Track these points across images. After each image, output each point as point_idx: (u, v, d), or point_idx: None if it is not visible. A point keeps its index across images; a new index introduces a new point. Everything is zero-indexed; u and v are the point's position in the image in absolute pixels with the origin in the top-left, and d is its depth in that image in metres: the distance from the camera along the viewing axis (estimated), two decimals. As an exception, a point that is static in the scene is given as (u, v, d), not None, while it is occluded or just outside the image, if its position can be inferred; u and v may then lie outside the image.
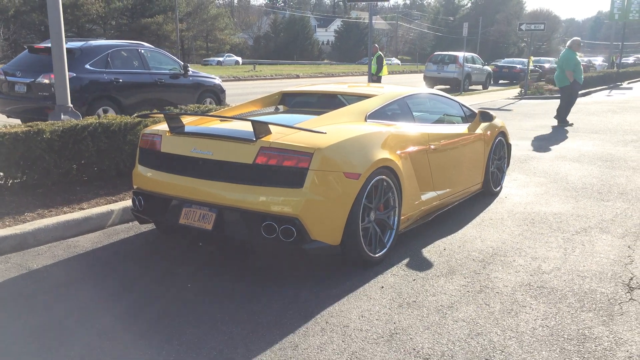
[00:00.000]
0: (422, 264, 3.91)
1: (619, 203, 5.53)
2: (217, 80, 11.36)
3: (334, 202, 3.50)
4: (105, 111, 8.50)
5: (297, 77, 33.13)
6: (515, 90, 21.81)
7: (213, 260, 3.96)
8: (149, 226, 4.61)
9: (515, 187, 6.17)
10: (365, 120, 4.20)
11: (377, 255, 3.87)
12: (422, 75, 26.88)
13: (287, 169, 3.42)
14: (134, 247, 4.19)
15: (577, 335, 2.91)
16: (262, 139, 3.49)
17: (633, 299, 3.35)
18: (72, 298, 3.30)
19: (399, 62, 75.90)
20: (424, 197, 4.43)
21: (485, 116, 5.51)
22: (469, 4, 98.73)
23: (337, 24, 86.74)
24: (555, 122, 11.58)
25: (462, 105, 5.64)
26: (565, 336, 2.90)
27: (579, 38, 11.95)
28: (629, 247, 4.26)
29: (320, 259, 3.83)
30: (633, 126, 11.34)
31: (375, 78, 15.76)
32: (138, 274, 3.69)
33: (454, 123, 5.37)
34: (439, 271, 3.79)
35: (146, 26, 54.69)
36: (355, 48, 75.96)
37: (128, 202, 4.81)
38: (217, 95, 11.07)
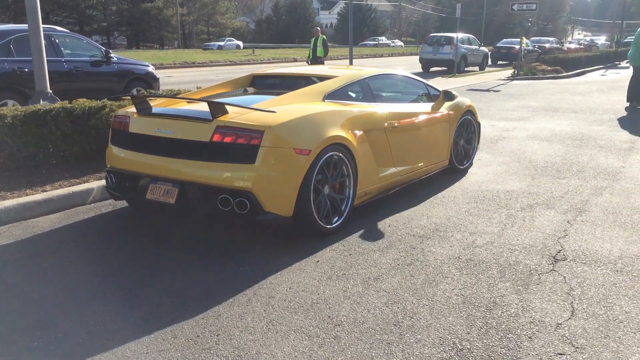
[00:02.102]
0: (363, 240, 4.08)
1: (574, 180, 5.66)
2: (150, 68, 10.49)
3: (285, 176, 3.77)
4: (4, 104, 7.59)
5: (295, 60, 33.09)
6: (510, 71, 21.77)
7: (166, 236, 4.15)
8: (109, 207, 4.80)
9: (476, 167, 6.30)
10: (323, 100, 4.46)
11: (330, 226, 4.12)
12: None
13: (240, 146, 3.70)
14: (91, 228, 4.38)
15: (488, 303, 3.07)
16: (218, 118, 3.77)
17: (554, 270, 3.50)
18: (20, 273, 3.50)
19: (402, 44, 75.41)
20: (382, 173, 4.69)
21: (449, 95, 5.69)
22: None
23: (340, 5, 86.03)
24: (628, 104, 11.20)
25: (427, 86, 5.84)
26: (477, 304, 3.07)
27: None
28: (568, 222, 4.40)
29: (274, 228, 4.15)
30: (614, 105, 11.39)
31: (319, 61, 15.88)
32: (89, 251, 3.89)
33: (417, 102, 5.64)
34: (377, 246, 3.95)
35: (146, 11, 54.62)
36: (359, 30, 75.27)
37: (91, 185, 5.00)
38: (148, 83, 10.21)
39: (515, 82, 17.84)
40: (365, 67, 5.75)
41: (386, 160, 4.74)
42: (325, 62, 16.60)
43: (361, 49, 55.79)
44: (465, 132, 6.15)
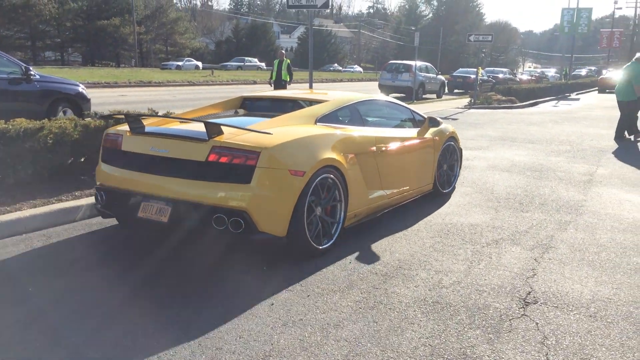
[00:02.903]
0: (322, 279, 3.77)
1: (537, 214, 5.53)
2: (80, 88, 9.54)
3: (279, 196, 3.84)
4: None
5: (255, 83, 32.85)
6: (466, 100, 22.12)
7: (119, 269, 3.73)
8: (40, 242, 4.34)
9: (440, 198, 6.12)
10: (315, 123, 4.57)
11: (321, 247, 4.19)
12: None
13: (236, 166, 3.75)
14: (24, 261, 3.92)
15: (458, 355, 2.80)
16: (214, 138, 3.80)
17: (525, 315, 3.28)
18: None
19: (361, 70, 76.47)
20: (371, 196, 4.80)
21: (434, 122, 5.83)
22: (430, 15, 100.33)
23: (300, 30, 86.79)
24: (622, 137, 11.36)
25: (412, 112, 6.04)
26: (446, 356, 2.80)
27: None
28: (535, 259, 4.22)
29: (268, 248, 4.08)
30: (570, 136, 11.56)
31: (283, 84, 15.83)
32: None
33: (404, 128, 5.80)
34: (337, 286, 3.65)
35: (102, 28, 53.57)
36: (319, 55, 76.05)
37: (21, 214, 4.52)
38: (76, 104, 9.27)
39: (472, 110, 18.07)
40: (353, 92, 5.93)
41: (375, 183, 4.85)
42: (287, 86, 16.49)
43: (321, 73, 56.16)
44: (449, 157, 6.35)
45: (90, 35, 54.19)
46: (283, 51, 17.81)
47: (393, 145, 5.12)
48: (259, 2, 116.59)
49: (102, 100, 16.74)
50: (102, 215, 4.51)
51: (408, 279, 3.80)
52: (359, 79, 49.41)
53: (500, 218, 5.37)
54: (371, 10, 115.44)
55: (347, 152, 4.42)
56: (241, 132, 3.96)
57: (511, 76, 38.44)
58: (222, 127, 3.90)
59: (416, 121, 5.92)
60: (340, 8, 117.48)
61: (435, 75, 26.25)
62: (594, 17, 37.17)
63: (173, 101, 18.47)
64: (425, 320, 3.18)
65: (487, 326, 3.12)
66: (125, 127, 4.28)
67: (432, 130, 5.89)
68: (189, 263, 3.99)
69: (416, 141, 5.59)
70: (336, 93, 5.76)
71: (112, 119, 5.01)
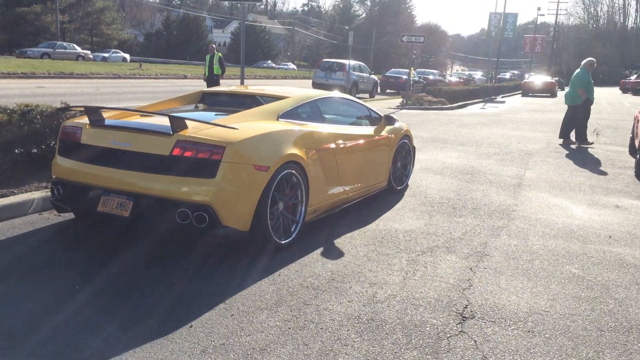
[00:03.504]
0: (248, 294, 3.45)
1: (470, 219, 5.46)
2: None
3: (244, 191, 3.85)
4: None
5: (185, 77, 31.83)
6: (399, 100, 22.35)
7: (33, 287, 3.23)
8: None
9: (373, 201, 5.94)
10: (277, 119, 4.59)
11: (283, 241, 4.23)
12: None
13: (201, 160, 3.73)
14: None
15: (394, 382, 2.58)
16: (179, 132, 3.77)
17: (463, 332, 3.11)
18: None
19: (295, 67, 76.20)
20: (330, 192, 4.88)
21: (390, 120, 6.05)
22: (364, 15, 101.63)
23: (234, 25, 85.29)
24: (568, 142, 11.44)
25: (369, 109, 6.14)
26: (382, 383, 2.56)
27: (593, 59, 11.68)
28: (470, 269, 4.09)
29: (231, 242, 4.06)
30: (498, 139, 11.79)
31: (215, 79, 15.62)
32: None
33: (361, 125, 5.85)
34: (265, 302, 3.35)
35: (22, 15, 50.28)
36: (253, 51, 75.06)
37: None
38: None
39: (404, 111, 18.22)
40: (311, 89, 6.38)
41: (334, 179, 4.92)
42: (221, 81, 16.01)
43: (254, 69, 55.42)
44: (403, 155, 6.51)
45: (9, 23, 50.71)
46: (214, 45, 17.36)
47: (351, 142, 5.23)
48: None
49: (17, 92, 15.55)
50: (57, 209, 4.43)
51: (341, 292, 3.55)
52: (292, 77, 49.15)
53: (435, 224, 5.25)
54: (306, 8, 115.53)
55: (308, 148, 4.47)
56: (206, 126, 3.95)
57: (441, 78, 39.47)
58: (186, 121, 3.87)
59: (372, 118, 6.02)
60: (275, 4, 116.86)
61: (368, 75, 26.40)
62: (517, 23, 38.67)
63: (96, 94, 17.46)
64: (359, 340, 2.94)
65: (425, 346, 2.92)
66: (84, 120, 4.19)
67: (388, 128, 6.02)
68: (110, 273, 3.56)
69: (373, 139, 5.70)
70: (296, 89, 5.83)
71: (68, 111, 4.78)
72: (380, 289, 3.64)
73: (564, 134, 11.66)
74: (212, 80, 16.10)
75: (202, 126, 3.93)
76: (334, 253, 4.30)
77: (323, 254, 4.25)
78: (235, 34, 79.84)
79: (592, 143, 11.47)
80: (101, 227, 4.37)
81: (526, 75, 49.46)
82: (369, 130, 5.73)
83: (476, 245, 4.65)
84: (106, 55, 50.71)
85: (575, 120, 11.42)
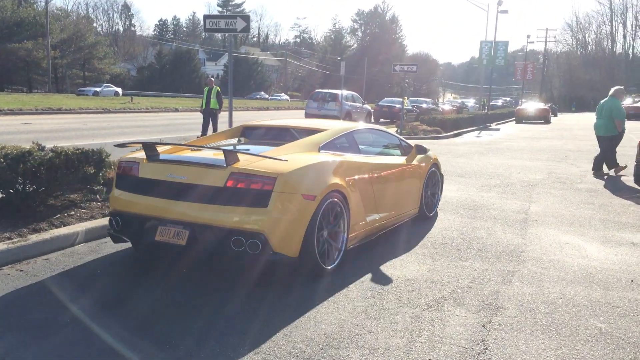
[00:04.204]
0: (228, 368, 2.95)
1: (477, 263, 4.98)
2: None
3: (293, 219, 4.05)
4: None
5: (177, 110, 31.58)
6: (393, 129, 22.05)
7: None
8: None
9: (369, 242, 5.46)
10: (319, 150, 4.85)
11: (328, 267, 4.42)
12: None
13: (253, 191, 3.98)
14: None
15: None
16: (232, 165, 4.04)
17: (483, 412, 2.61)
18: None
19: (288, 98, 76.42)
20: (368, 219, 5.08)
21: (421, 149, 6.26)
22: (355, 45, 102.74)
23: (226, 58, 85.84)
24: (605, 172, 11.10)
25: (400, 139, 6.49)
26: None
27: (622, 87, 11.24)
28: (483, 326, 3.61)
29: (281, 268, 4.19)
30: (497, 169, 11.38)
31: (213, 112, 15.52)
32: None
33: (393, 154, 6.14)
34: (247, 379, 2.84)
35: (13, 52, 50.34)
36: (245, 83, 75.40)
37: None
38: None
39: (399, 141, 17.87)
40: (345, 121, 6.75)
41: (371, 207, 5.11)
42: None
43: (247, 101, 55.44)
44: (432, 183, 6.76)
45: (0, 59, 50.67)
46: (212, 78, 17.21)
47: (386, 172, 5.47)
48: (184, 29, 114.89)
49: (0, 129, 15.12)
50: (114, 239, 4.66)
51: (337, 362, 3.05)
52: (286, 107, 49.10)
53: (439, 269, 4.77)
54: (298, 40, 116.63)
55: (348, 178, 4.70)
56: (256, 158, 4.22)
57: (434, 106, 39.36)
58: (238, 154, 4.16)
59: (403, 147, 6.32)
60: (267, 36, 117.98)
61: (361, 105, 26.21)
62: (508, 50, 38.89)
63: (83, 130, 17.06)
64: None
65: None
66: (140, 155, 4.47)
67: (418, 157, 6.30)
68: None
69: (406, 167, 5.96)
70: (330, 122, 6.26)
71: (128, 146, 5.09)
72: (382, 356, 3.14)
73: (600, 165, 11.14)
74: (208, 113, 15.81)
75: (253, 159, 4.22)
76: (328, 309, 3.80)
77: (316, 312, 3.75)
78: (228, 66, 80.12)
79: (626, 166, 11.00)
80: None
81: (520, 102, 49.58)
82: (401, 159, 6.02)
83: (487, 295, 4.16)
84: (98, 89, 50.61)
85: (606, 152, 10.96)
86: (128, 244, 4.96)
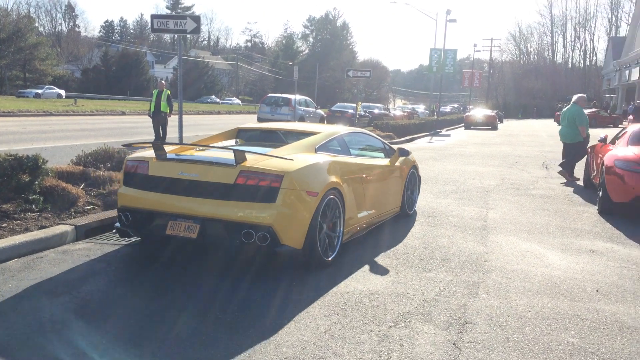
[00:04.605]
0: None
1: (442, 274, 4.81)
2: None
3: (299, 214, 4.36)
4: None
5: (123, 114, 30.53)
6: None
7: None
8: None
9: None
10: (315, 151, 5.17)
11: (328, 259, 4.77)
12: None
13: (262, 187, 4.27)
14: None
15: None
16: (241, 164, 4.32)
17: None
18: None
19: (239, 102, 75.52)
20: (359, 215, 5.45)
21: (403, 152, 6.75)
22: (307, 50, 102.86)
23: (176, 60, 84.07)
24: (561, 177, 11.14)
25: (383, 142, 6.94)
26: None
27: (584, 94, 11.18)
28: (454, 344, 3.41)
29: (287, 259, 4.56)
30: (452, 175, 11.38)
31: (163, 115, 15.01)
32: None
33: (379, 156, 6.53)
34: (202, 416, 2.52)
35: (-54, 50, 47.48)
36: (195, 86, 73.99)
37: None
38: None
39: (352, 146, 17.75)
40: (335, 126, 6.92)
41: (362, 204, 5.49)
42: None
43: (198, 105, 54.36)
44: (413, 183, 7.24)
45: None
46: (163, 81, 16.68)
47: (374, 172, 5.89)
48: (132, 31, 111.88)
49: None
50: (121, 234, 4.95)
51: (301, 392, 2.77)
52: (237, 112, 48.44)
53: (403, 281, 4.56)
54: (249, 44, 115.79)
55: (343, 177, 5.04)
56: (263, 157, 4.55)
57: (386, 112, 39.74)
58: (245, 153, 4.43)
59: (387, 150, 6.75)
60: (217, 40, 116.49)
61: (314, 110, 26.04)
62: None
63: (22, 133, 16.11)
64: None
65: None
66: (148, 154, 4.75)
67: (401, 159, 6.75)
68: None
69: (390, 168, 6.43)
70: (321, 126, 6.67)
71: (134, 146, 5.31)
72: (351, 383, 2.88)
73: (570, 170, 11.23)
74: (158, 117, 15.22)
75: (260, 158, 4.54)
76: (289, 329, 3.52)
77: (277, 335, 3.46)
78: (178, 69, 78.42)
79: (578, 179, 11.05)
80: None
81: (468, 108, 50.71)
82: (385, 161, 6.45)
83: (455, 310, 3.98)
84: (39, 91, 48.51)
85: (570, 155, 11.10)
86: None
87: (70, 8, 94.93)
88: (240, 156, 4.37)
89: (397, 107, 61.63)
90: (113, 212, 6.07)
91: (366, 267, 4.90)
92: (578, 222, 7.19)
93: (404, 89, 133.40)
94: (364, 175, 5.58)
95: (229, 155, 4.46)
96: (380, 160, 6.36)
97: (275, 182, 4.26)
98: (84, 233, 5.54)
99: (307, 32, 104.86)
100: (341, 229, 4.99)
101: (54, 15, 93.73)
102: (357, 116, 23.22)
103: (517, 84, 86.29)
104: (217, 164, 4.43)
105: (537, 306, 4.11)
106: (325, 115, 28.78)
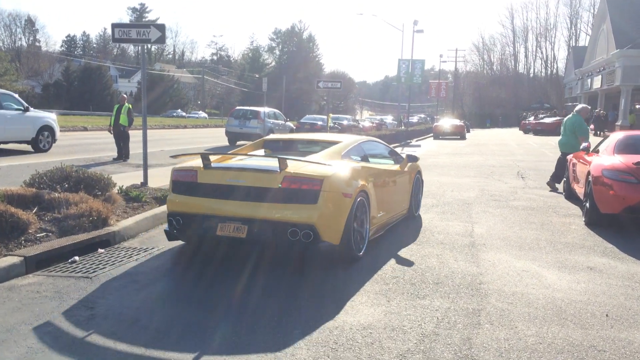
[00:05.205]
0: None
1: (438, 301, 4.37)
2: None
3: (337, 213, 4.89)
4: None
5: (85, 129, 29.47)
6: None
7: None
8: None
9: (315, 280, 4.72)
10: (342, 158, 5.67)
11: (359, 253, 5.30)
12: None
13: (305, 190, 4.82)
14: None
15: None
16: (285, 170, 4.86)
17: None
18: None
19: (206, 115, 74.48)
20: (378, 215, 5.94)
21: (412, 158, 7.41)
22: (273, 63, 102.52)
23: (140, 74, 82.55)
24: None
25: (392, 149, 7.62)
26: None
27: (588, 106, 10.95)
28: (465, 389, 2.96)
29: (326, 254, 5.08)
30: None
31: (122, 130, 14.58)
32: None
33: (391, 162, 7.14)
34: None
35: None
36: (161, 100, 72.61)
37: None
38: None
39: (325, 159, 17.33)
40: (353, 135, 7.58)
41: (380, 205, 5.98)
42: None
43: (164, 119, 53.23)
44: (418, 187, 7.83)
45: None
46: (124, 95, 16.05)
47: (389, 176, 6.51)
48: (94, 45, 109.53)
49: None
50: (169, 237, 5.43)
51: None
52: (204, 125, 47.58)
53: (396, 311, 4.11)
54: (215, 57, 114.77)
55: (368, 180, 5.60)
56: (303, 164, 5.08)
57: (355, 123, 39.52)
58: (287, 160, 4.90)
59: (396, 156, 7.38)
60: (183, 54, 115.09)
61: (283, 122, 25.55)
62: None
63: (-26, 153, 15.10)
64: None
65: None
66: (196, 163, 5.24)
67: (409, 164, 7.36)
68: None
69: (401, 173, 7.02)
70: (340, 135, 7.19)
71: (181, 156, 5.71)
72: None
73: (558, 180, 11.00)
74: (118, 131, 14.55)
75: (300, 164, 5.08)
76: (274, 379, 3.02)
77: (259, 386, 2.95)
78: (141, 81, 76.83)
79: (562, 193, 10.58)
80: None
81: (435, 118, 50.97)
82: (397, 166, 7.04)
83: (459, 345, 3.54)
84: (-3, 107, 46.66)
85: (562, 167, 10.84)
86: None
87: (30, 22, 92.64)
88: (283, 163, 4.87)
89: (366, 119, 61.62)
90: (69, 239, 5.47)
91: (354, 296, 4.43)
92: (567, 236, 6.88)
93: (370, 100, 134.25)
94: (382, 179, 6.15)
95: (273, 163, 5.01)
96: (392, 165, 6.98)
97: (317, 185, 4.78)
98: (35, 264, 4.92)
99: (274, 44, 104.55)
100: (368, 227, 5.53)
101: (13, 30, 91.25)
102: (328, 128, 22.80)
103: (481, 94, 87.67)
104: (262, 170, 4.95)
105: (547, 337, 3.70)
106: (295, 128, 28.33)
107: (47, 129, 15.81)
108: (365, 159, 6.25)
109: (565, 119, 11.17)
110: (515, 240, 6.57)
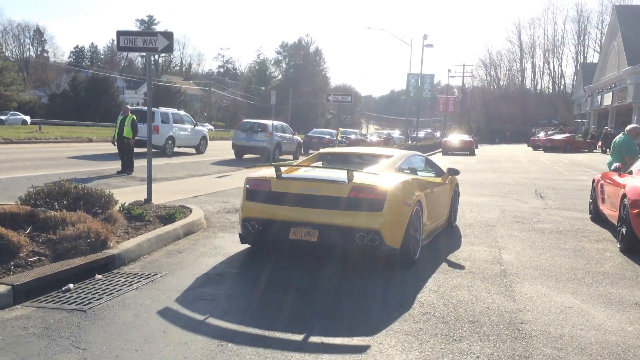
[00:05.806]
0: None
1: (477, 345, 3.84)
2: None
3: (398, 220, 5.49)
4: None
5: (90, 140, 29.10)
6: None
7: None
8: None
9: (335, 317, 4.20)
10: (395, 171, 6.31)
11: (416, 257, 5.90)
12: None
13: (371, 199, 5.37)
14: None
15: None
16: (352, 180, 5.43)
17: None
18: None
19: (212, 127, 74.37)
20: (428, 223, 6.47)
21: (453, 171, 7.94)
22: (280, 76, 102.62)
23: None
24: None
25: (433, 162, 8.13)
26: None
27: (638, 125, 10.29)
28: None
29: (389, 257, 5.62)
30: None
31: (126, 142, 14.26)
32: None
33: (435, 175, 7.61)
34: None
35: None
36: (166, 112, 72.43)
37: None
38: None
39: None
40: (399, 149, 8.56)
41: (429, 215, 6.41)
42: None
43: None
44: (455, 199, 8.31)
45: None
46: (129, 106, 15.76)
47: (436, 188, 6.96)
48: (102, 56, 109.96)
49: None
50: (243, 241, 5.98)
51: None
52: (210, 138, 47.11)
53: (432, 359, 3.58)
54: (222, 70, 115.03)
55: (420, 191, 6.08)
56: (367, 175, 5.69)
57: (362, 137, 39.12)
58: (353, 172, 5.51)
59: (438, 169, 7.91)
60: (190, 66, 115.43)
61: (291, 136, 25.14)
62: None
63: (-26, 164, 14.71)
64: None
65: None
66: (268, 174, 5.82)
67: (449, 177, 7.86)
68: None
69: (444, 185, 7.49)
70: (389, 149, 7.89)
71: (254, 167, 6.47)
72: None
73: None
74: (122, 143, 14.15)
75: (365, 175, 5.63)
76: None
77: None
78: (147, 92, 76.73)
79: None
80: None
81: (440, 133, 50.49)
82: (439, 178, 7.50)
83: (511, 405, 3.00)
84: (3, 117, 46.66)
85: None
86: None
87: (39, 33, 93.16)
88: (351, 174, 5.40)
89: (373, 133, 61.26)
90: (64, 264, 4.97)
91: (381, 336, 3.91)
92: (604, 265, 6.34)
93: (376, 114, 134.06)
94: (430, 190, 6.58)
95: (340, 174, 5.50)
96: (436, 177, 7.46)
97: (382, 195, 5.33)
98: (24, 294, 4.43)
99: (280, 57, 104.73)
100: (421, 234, 6.05)
101: (22, 41, 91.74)
102: (337, 142, 22.35)
103: (488, 109, 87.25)
104: (332, 181, 5.45)
105: (613, 395, 3.17)
106: (302, 142, 27.88)
107: (204, 139, 24.16)
108: (413, 171, 6.79)
109: (616, 138, 10.59)
110: (549, 269, 6.04)
